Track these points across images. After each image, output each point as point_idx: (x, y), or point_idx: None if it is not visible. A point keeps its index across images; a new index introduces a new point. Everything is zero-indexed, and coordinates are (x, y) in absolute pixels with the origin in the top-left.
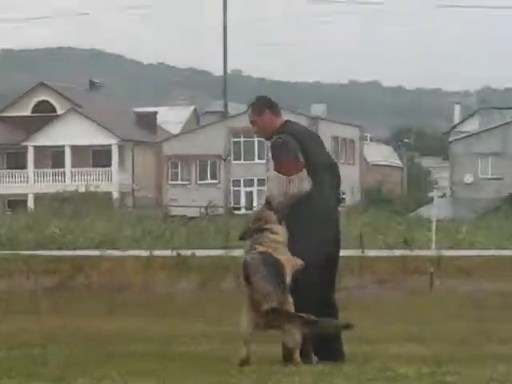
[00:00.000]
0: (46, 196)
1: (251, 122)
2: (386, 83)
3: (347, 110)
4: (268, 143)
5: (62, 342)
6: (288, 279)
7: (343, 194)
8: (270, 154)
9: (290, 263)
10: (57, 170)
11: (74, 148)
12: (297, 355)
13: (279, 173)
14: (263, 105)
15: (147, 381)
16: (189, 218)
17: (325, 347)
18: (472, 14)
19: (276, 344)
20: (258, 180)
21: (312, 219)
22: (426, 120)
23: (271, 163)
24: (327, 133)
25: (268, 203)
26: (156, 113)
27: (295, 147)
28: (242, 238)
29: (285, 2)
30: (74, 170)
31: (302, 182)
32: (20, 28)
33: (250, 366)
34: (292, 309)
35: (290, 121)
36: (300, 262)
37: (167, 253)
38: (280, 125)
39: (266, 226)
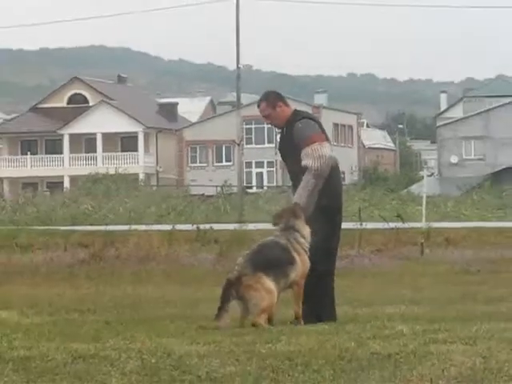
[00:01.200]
0: (80, 178)
1: (265, 116)
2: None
3: (346, 99)
4: (277, 130)
5: (96, 307)
6: (292, 275)
7: (343, 173)
8: (298, 136)
9: (304, 266)
10: (89, 154)
11: (105, 135)
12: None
13: (310, 145)
14: (275, 98)
15: (173, 340)
16: (207, 197)
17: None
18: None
19: (287, 306)
20: (268, 162)
21: (338, 188)
22: (416, 107)
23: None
24: (328, 119)
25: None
26: (177, 103)
27: (318, 123)
28: (275, 224)
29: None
30: (104, 154)
31: (330, 149)
32: (55, 28)
33: (262, 326)
34: (259, 289)
35: (297, 109)
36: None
37: (188, 227)
38: (291, 113)
39: (296, 227)
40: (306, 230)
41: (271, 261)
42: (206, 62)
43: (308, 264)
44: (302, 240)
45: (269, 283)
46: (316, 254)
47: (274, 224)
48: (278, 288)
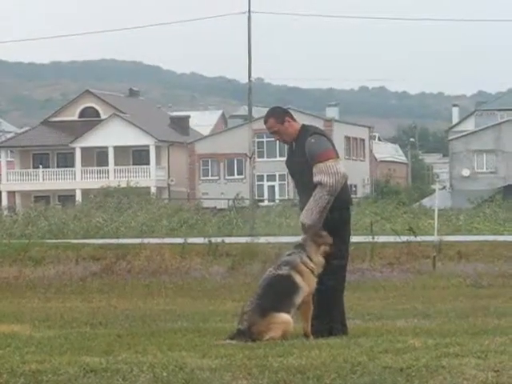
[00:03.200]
0: (92, 191)
1: (273, 132)
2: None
3: (358, 113)
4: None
5: (108, 321)
6: (298, 300)
7: (355, 186)
8: (311, 151)
9: (310, 285)
10: (101, 168)
11: (116, 148)
12: (308, 330)
13: (324, 161)
14: (283, 113)
15: (185, 353)
16: (218, 210)
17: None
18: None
19: (298, 320)
20: (280, 175)
21: (347, 203)
22: (427, 121)
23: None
24: (340, 133)
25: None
26: (189, 117)
27: (330, 140)
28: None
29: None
30: (116, 167)
31: (342, 166)
32: (67, 41)
33: (275, 340)
34: (275, 328)
35: (305, 124)
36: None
37: (200, 240)
38: (300, 128)
39: (308, 249)
40: (317, 258)
41: (277, 297)
42: (217, 76)
43: (313, 282)
44: (307, 260)
45: (281, 316)
46: (325, 269)
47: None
48: (290, 315)
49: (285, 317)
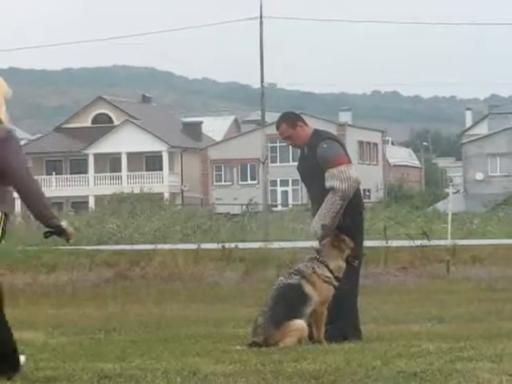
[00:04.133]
0: (105, 197)
1: (286, 137)
2: (404, 93)
3: (371, 117)
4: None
5: (122, 327)
6: (309, 310)
7: (368, 191)
8: (323, 156)
9: (322, 294)
10: (114, 174)
11: (130, 154)
12: (321, 336)
13: (336, 167)
14: (295, 118)
15: (199, 359)
16: (232, 215)
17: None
18: None
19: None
20: (293, 180)
21: (359, 207)
22: (440, 125)
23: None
24: (353, 137)
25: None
26: (201, 122)
27: (342, 145)
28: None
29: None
30: (129, 173)
31: (355, 171)
32: (78, 48)
33: (288, 344)
34: (291, 335)
35: (317, 129)
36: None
37: (213, 246)
38: (312, 133)
39: (322, 259)
40: (335, 264)
41: (288, 306)
42: (230, 81)
43: (327, 291)
44: (320, 269)
45: (295, 323)
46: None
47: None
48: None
49: (298, 323)
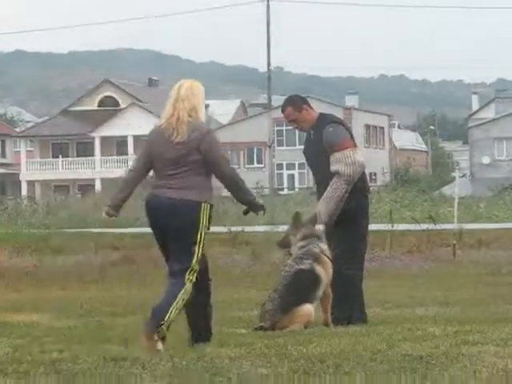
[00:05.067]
0: (112, 180)
1: (291, 121)
2: (412, 76)
3: (377, 101)
4: (312, 132)
5: (128, 310)
6: (321, 292)
7: (375, 174)
8: (328, 140)
9: (329, 274)
10: (121, 157)
11: (136, 137)
12: (329, 319)
13: (341, 151)
14: (300, 101)
15: (205, 343)
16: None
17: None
18: None
19: (317, 309)
20: (299, 164)
21: (365, 191)
22: (447, 108)
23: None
24: (360, 121)
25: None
26: (208, 105)
27: (348, 129)
28: (282, 246)
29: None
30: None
31: (360, 155)
32: (84, 31)
33: (294, 329)
34: (299, 319)
35: (323, 113)
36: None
37: (221, 229)
38: (318, 116)
39: (317, 234)
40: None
41: (300, 293)
42: (237, 64)
43: (331, 269)
44: (324, 247)
45: (304, 308)
46: (344, 257)
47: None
48: (312, 306)
49: (307, 308)
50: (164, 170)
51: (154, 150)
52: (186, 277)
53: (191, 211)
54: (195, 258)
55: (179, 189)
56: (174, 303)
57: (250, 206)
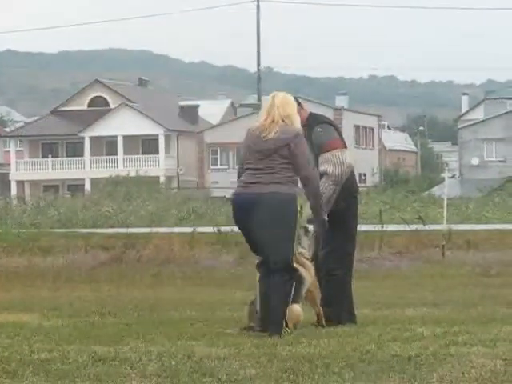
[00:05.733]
0: (101, 180)
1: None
2: (401, 77)
3: (367, 101)
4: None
5: (117, 310)
6: (304, 290)
7: (364, 175)
8: (317, 141)
9: (311, 274)
10: (110, 157)
11: (126, 138)
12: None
13: (330, 151)
14: None
15: (194, 342)
16: (228, 199)
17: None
18: None
19: (307, 309)
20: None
21: (353, 192)
22: (436, 109)
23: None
24: (349, 121)
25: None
26: (198, 106)
27: (337, 129)
28: None
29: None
30: (125, 157)
31: (349, 156)
32: (75, 31)
33: (284, 329)
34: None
35: (313, 113)
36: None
37: (209, 229)
38: (308, 116)
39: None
40: (305, 241)
41: None
42: (227, 65)
43: (312, 270)
44: (303, 250)
45: (294, 309)
46: (333, 258)
47: None
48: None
49: (295, 308)
50: (253, 163)
51: (246, 146)
52: (289, 271)
53: (283, 204)
54: (292, 252)
55: (268, 183)
56: (289, 298)
57: (315, 219)
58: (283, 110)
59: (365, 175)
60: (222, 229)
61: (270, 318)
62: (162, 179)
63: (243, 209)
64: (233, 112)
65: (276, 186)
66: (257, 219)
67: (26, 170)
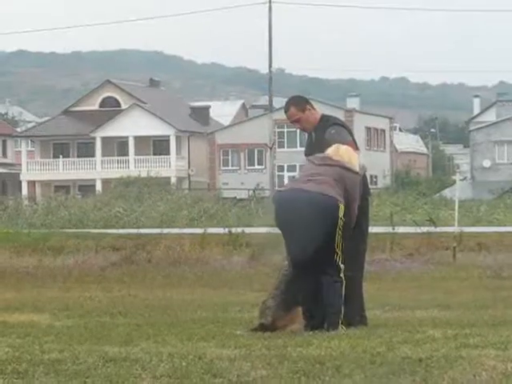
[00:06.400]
0: (112, 181)
1: (295, 121)
2: (413, 79)
3: (378, 103)
4: (313, 134)
5: (127, 310)
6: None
7: (375, 177)
8: (331, 143)
9: None
10: (121, 157)
11: (137, 138)
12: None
13: None
14: (303, 102)
15: (204, 343)
16: (238, 200)
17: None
18: None
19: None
20: (300, 166)
21: (365, 194)
22: (448, 112)
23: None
24: (361, 123)
25: None
26: (209, 107)
27: (350, 131)
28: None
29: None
30: (136, 157)
31: (361, 158)
32: (87, 31)
33: (294, 330)
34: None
35: (325, 114)
36: None
37: (220, 230)
38: (320, 117)
39: None
40: None
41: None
42: (238, 66)
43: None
44: None
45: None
46: (344, 260)
47: None
48: None
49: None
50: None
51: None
52: (338, 273)
53: (330, 205)
54: (340, 255)
55: (317, 184)
56: (342, 300)
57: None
58: None
59: (376, 177)
60: (233, 230)
61: (327, 316)
62: (173, 180)
63: (286, 208)
64: (244, 113)
65: (322, 187)
66: (297, 219)
67: (37, 170)
